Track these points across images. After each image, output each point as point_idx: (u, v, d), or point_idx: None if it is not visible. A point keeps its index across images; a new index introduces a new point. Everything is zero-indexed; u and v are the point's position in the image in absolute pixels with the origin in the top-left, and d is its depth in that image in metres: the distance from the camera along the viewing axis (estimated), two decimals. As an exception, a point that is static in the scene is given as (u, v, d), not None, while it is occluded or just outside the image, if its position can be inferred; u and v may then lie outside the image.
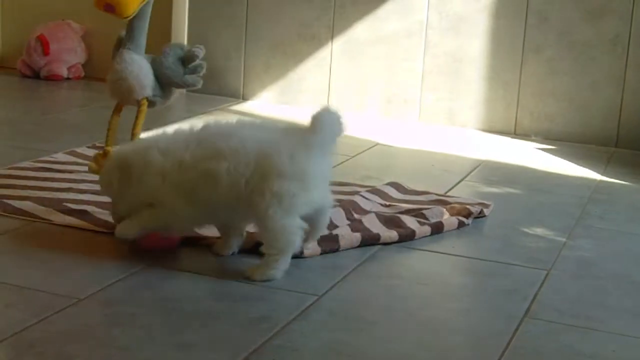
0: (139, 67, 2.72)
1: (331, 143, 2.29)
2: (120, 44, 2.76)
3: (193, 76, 2.77)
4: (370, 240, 2.53)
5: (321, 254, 2.43)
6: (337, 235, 2.50)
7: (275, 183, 2.20)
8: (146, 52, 2.78)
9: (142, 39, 2.76)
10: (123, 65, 2.72)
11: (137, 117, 2.76)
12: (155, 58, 2.76)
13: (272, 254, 2.23)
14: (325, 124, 2.26)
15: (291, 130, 2.32)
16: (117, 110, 2.81)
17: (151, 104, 2.78)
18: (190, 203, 2.26)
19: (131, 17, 2.69)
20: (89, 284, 2.15)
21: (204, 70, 2.78)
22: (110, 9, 2.65)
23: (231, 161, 2.22)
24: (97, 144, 3.33)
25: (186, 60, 2.75)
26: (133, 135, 2.75)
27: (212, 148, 2.25)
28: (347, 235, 2.51)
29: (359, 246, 2.50)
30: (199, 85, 2.82)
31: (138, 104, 2.76)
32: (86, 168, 3.06)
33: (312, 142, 2.24)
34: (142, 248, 2.35)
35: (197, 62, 2.76)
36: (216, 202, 2.25)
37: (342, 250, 2.47)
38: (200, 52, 2.77)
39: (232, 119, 2.43)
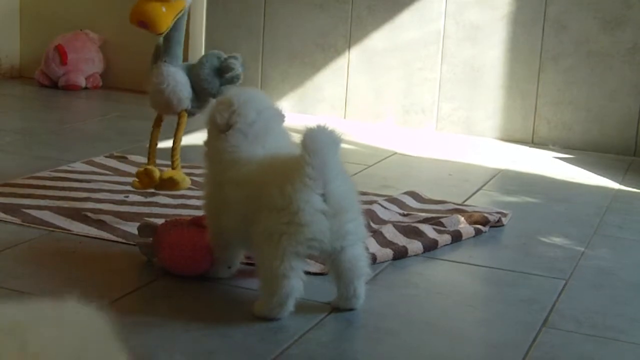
0: (174, 81, 2.68)
1: (330, 166, 2.00)
2: (158, 54, 2.73)
3: (229, 87, 2.73)
4: (399, 255, 2.51)
5: None
6: (373, 253, 2.46)
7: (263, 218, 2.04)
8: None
9: (179, 50, 2.71)
10: (160, 79, 2.69)
11: (176, 130, 2.74)
12: (191, 68, 2.72)
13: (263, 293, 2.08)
14: (318, 144, 1.99)
15: (281, 157, 2.11)
16: (157, 123, 2.79)
17: (190, 114, 2.76)
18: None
19: (165, 32, 2.67)
20: (107, 293, 2.16)
21: (240, 81, 2.72)
22: (144, 25, 2.64)
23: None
24: (115, 154, 3.34)
25: (222, 70, 2.70)
26: (174, 149, 2.73)
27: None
28: (378, 252, 2.48)
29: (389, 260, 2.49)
30: None
31: (178, 115, 2.74)
32: (104, 177, 3.07)
33: (303, 170, 1.98)
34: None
35: (234, 72, 2.70)
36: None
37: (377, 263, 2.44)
38: (237, 62, 2.70)
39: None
